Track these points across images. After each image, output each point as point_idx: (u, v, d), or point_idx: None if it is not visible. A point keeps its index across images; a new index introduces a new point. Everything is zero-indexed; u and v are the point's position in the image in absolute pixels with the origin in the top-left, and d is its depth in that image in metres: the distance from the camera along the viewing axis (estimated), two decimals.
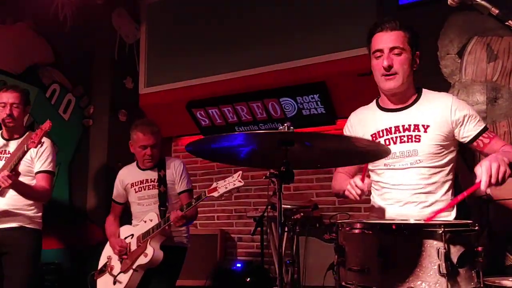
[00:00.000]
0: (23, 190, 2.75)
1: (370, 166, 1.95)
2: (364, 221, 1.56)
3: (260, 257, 3.82)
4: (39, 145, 2.70)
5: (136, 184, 3.08)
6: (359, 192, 1.69)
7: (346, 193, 1.75)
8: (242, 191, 4.49)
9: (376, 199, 2.00)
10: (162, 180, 3.03)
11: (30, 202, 2.84)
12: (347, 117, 2.16)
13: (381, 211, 1.95)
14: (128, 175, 3.15)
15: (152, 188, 3.04)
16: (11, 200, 2.78)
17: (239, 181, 2.74)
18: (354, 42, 3.52)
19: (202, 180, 4.70)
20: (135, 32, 4.77)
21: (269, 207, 3.60)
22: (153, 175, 3.06)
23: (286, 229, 3.55)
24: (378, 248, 1.36)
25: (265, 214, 3.64)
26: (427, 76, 2.30)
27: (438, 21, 2.94)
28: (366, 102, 2.11)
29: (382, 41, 1.87)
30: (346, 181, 1.80)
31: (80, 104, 4.35)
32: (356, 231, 1.48)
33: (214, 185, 2.80)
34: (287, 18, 4.08)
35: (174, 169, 3.08)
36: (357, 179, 1.70)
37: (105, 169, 4.22)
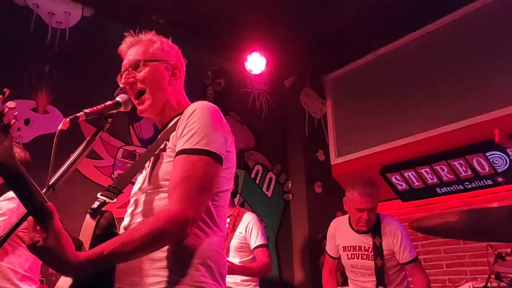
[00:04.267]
0: (243, 272, 2.91)
1: None
2: None
3: None
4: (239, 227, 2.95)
5: (349, 249, 2.88)
6: None
7: None
8: (455, 259, 4.07)
9: None
10: (378, 250, 2.74)
11: (247, 277, 2.99)
12: None
13: None
14: (340, 233, 2.96)
15: (367, 259, 2.79)
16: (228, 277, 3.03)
17: None
18: None
19: None
20: (322, 107, 5.04)
21: (493, 276, 3.17)
22: (367, 242, 2.80)
23: None
24: None
25: (488, 284, 3.21)
26: None
27: None
28: None
29: None
30: None
31: (280, 180, 4.69)
32: None
33: None
34: (485, 60, 3.77)
35: (392, 238, 2.75)
36: None
37: (308, 242, 4.34)
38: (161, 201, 1.29)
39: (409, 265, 2.77)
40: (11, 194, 2.42)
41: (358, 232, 2.87)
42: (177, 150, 1.28)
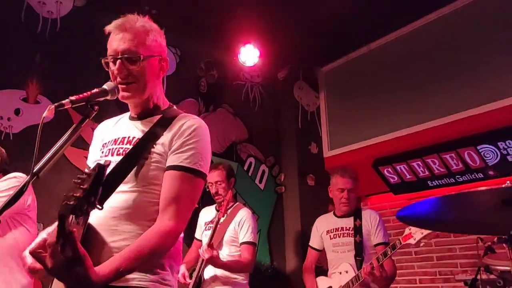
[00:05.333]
0: (223, 266, 2.91)
1: None
2: None
3: None
4: (226, 216, 2.99)
5: (332, 231, 3.17)
6: None
7: None
8: (445, 251, 4.11)
9: None
10: (358, 230, 3.04)
11: None
12: None
13: None
14: (324, 222, 3.26)
15: (347, 236, 3.07)
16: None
17: None
18: None
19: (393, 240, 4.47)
20: (315, 100, 5.04)
21: (482, 269, 3.22)
22: (348, 223, 3.11)
23: None
24: None
25: (478, 277, 3.25)
26: None
27: None
28: None
29: None
30: None
31: (272, 173, 4.69)
32: None
33: (407, 231, 2.70)
34: (477, 54, 3.79)
35: (370, 220, 3.08)
36: None
37: (300, 234, 4.37)
38: (148, 203, 1.37)
39: (380, 246, 3.00)
40: (12, 174, 2.42)
41: (341, 217, 3.17)
42: (175, 163, 1.38)
